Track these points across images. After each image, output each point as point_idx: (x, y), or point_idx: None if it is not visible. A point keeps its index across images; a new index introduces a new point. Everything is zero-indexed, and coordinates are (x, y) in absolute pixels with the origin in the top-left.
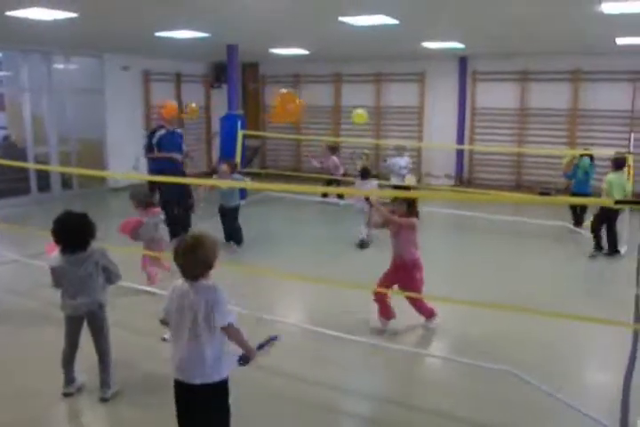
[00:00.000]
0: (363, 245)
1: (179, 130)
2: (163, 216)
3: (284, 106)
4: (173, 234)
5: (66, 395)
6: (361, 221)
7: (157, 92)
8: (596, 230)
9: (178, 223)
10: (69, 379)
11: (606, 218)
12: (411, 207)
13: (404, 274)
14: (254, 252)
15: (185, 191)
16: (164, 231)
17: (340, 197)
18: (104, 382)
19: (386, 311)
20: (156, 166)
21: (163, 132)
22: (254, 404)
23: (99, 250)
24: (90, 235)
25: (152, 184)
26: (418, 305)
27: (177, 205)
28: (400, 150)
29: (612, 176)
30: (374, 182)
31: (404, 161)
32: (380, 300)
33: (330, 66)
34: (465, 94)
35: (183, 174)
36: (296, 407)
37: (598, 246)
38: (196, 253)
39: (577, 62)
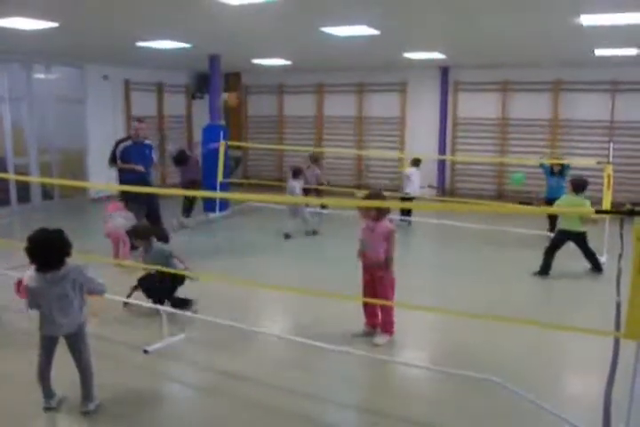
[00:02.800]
0: (287, 236)
1: (148, 142)
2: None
3: None
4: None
5: (46, 409)
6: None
7: (138, 102)
8: (546, 253)
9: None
10: (48, 394)
11: (559, 243)
12: (382, 213)
13: (373, 274)
14: (229, 262)
15: (152, 202)
16: None
17: (324, 206)
18: (86, 396)
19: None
20: (121, 176)
21: (128, 143)
22: (230, 412)
23: (76, 268)
24: (65, 253)
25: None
26: (383, 312)
27: (143, 215)
28: (416, 162)
29: (563, 199)
30: (301, 182)
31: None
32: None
33: (312, 76)
34: (446, 104)
35: (148, 185)
36: (274, 417)
37: (545, 269)
38: None
39: (557, 73)
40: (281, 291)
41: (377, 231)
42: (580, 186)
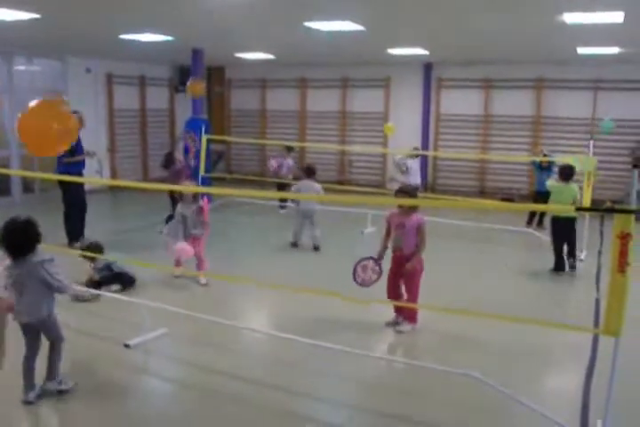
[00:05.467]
0: (316, 247)
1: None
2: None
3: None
4: (72, 235)
5: (25, 403)
6: (302, 223)
7: (121, 95)
8: (555, 248)
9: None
10: (29, 385)
11: (561, 232)
12: (414, 207)
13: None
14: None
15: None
16: None
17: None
18: (48, 376)
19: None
20: (68, 168)
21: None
22: (208, 407)
23: (39, 261)
24: (28, 241)
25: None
26: (411, 300)
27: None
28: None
29: (552, 182)
30: (318, 186)
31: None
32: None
33: (296, 71)
34: (429, 100)
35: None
36: (259, 413)
37: (559, 264)
38: None
39: (539, 71)
40: (271, 288)
41: (408, 226)
42: (567, 174)
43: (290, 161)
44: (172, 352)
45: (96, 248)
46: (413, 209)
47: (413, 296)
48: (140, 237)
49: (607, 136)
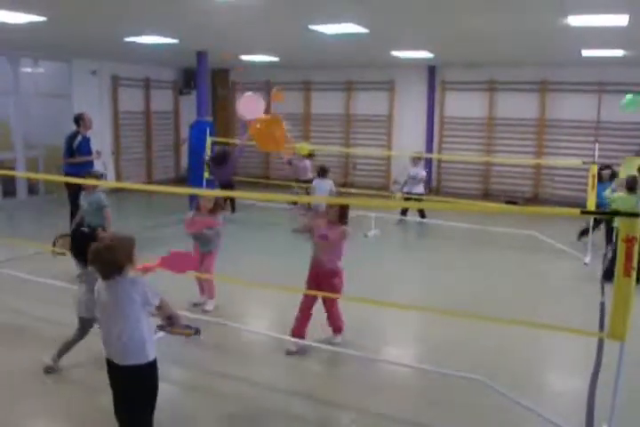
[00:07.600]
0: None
1: (88, 135)
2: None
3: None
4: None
5: (47, 369)
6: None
7: (126, 98)
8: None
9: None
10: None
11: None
12: (343, 216)
13: (323, 281)
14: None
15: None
16: None
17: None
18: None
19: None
20: (72, 169)
21: (80, 138)
22: (205, 408)
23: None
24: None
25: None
26: (333, 315)
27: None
28: (415, 160)
29: (619, 194)
30: (330, 181)
31: (413, 171)
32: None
33: (300, 73)
34: (433, 103)
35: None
36: (261, 415)
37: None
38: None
39: (544, 73)
40: (271, 290)
41: (331, 238)
42: (631, 185)
43: (307, 162)
44: (174, 354)
45: None
46: (341, 221)
47: (335, 317)
48: (142, 237)
49: (612, 139)
